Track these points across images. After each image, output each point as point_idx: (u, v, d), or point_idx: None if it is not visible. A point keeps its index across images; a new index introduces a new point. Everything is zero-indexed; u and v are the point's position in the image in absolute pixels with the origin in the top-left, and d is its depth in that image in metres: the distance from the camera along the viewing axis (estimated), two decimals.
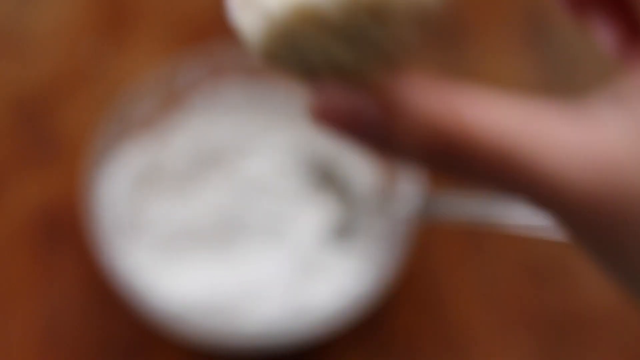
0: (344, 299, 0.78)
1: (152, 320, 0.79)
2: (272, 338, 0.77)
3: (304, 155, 0.88)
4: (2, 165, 0.91)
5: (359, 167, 0.87)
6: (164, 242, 0.84)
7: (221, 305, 0.80)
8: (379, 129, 0.34)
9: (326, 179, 0.87)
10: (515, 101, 0.36)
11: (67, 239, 0.88)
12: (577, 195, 0.34)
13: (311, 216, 0.87)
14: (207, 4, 0.99)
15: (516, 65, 0.96)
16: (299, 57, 0.40)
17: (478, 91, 0.37)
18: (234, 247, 0.83)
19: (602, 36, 0.43)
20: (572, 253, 0.87)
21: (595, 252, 0.37)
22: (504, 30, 0.98)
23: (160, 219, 0.85)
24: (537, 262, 0.87)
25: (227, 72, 0.88)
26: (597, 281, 0.86)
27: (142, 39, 0.98)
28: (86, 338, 0.84)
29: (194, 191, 0.86)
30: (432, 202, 0.75)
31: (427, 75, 0.36)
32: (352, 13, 0.36)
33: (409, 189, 0.80)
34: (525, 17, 0.98)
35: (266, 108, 0.89)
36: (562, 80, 0.95)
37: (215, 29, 0.98)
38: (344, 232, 0.84)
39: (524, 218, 0.60)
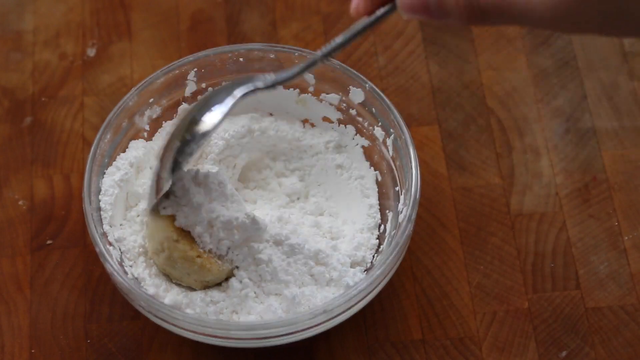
0: (343, 292, 0.78)
1: (154, 314, 0.79)
2: (273, 330, 0.77)
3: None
4: (2, 164, 0.91)
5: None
6: None
7: (221, 296, 0.80)
8: (437, 6, 0.63)
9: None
10: None
11: (66, 238, 0.88)
12: None
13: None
14: (207, 6, 0.99)
15: (514, 53, 0.96)
16: None
17: None
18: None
19: None
20: (572, 250, 0.87)
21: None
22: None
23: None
24: (538, 259, 0.87)
25: (226, 72, 0.88)
26: (599, 281, 0.86)
27: (142, 41, 0.98)
28: (84, 334, 0.84)
29: None
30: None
31: None
32: None
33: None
34: None
35: (265, 107, 0.89)
36: (557, 67, 0.95)
37: (215, 30, 0.99)
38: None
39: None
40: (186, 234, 0.78)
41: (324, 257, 0.81)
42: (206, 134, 0.74)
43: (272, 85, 0.75)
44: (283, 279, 0.79)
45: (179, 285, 0.81)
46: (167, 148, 0.75)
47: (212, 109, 0.74)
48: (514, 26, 0.97)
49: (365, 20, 0.68)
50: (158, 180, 0.76)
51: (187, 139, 0.74)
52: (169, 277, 0.81)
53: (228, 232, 0.79)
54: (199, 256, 0.78)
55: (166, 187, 0.77)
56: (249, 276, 0.79)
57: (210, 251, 0.79)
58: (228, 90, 0.75)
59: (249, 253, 0.79)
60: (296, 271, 0.80)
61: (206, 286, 0.80)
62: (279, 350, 0.82)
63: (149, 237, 0.81)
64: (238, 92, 0.74)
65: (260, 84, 0.75)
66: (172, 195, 0.78)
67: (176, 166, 0.75)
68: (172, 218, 0.78)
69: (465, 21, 0.62)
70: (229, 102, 0.74)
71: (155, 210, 0.79)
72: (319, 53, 0.72)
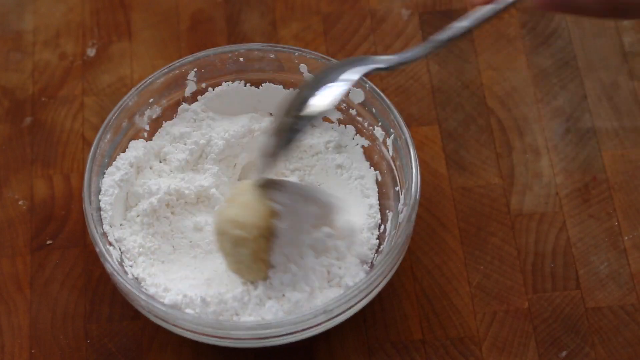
0: (343, 292, 0.78)
1: (154, 314, 0.79)
2: (273, 330, 0.77)
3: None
4: (2, 164, 0.91)
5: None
6: (163, 237, 0.84)
7: (221, 297, 0.79)
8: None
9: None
10: None
11: (66, 238, 0.88)
12: None
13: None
14: (207, 6, 0.99)
15: (514, 53, 0.96)
16: None
17: None
18: None
19: None
20: (572, 250, 0.87)
21: None
22: (503, 24, 0.98)
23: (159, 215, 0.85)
24: (538, 259, 0.87)
25: (226, 72, 0.88)
26: (599, 281, 0.86)
27: (142, 41, 0.98)
28: (84, 334, 0.84)
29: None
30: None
31: None
32: None
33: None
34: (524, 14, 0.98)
35: (265, 107, 0.89)
36: (556, 65, 0.95)
37: (215, 30, 0.99)
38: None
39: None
40: (266, 234, 0.78)
41: (351, 242, 0.82)
42: (321, 113, 0.72)
43: (394, 67, 0.72)
44: (304, 286, 0.79)
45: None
46: (280, 126, 0.73)
47: (326, 88, 0.71)
48: (514, 26, 0.97)
49: (493, 7, 0.66)
50: (269, 155, 0.75)
51: (300, 117, 0.72)
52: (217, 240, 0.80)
53: (295, 256, 0.79)
54: (262, 260, 0.78)
55: (273, 165, 0.75)
56: (281, 280, 0.79)
57: (269, 262, 0.79)
58: (342, 69, 0.72)
59: (287, 260, 0.80)
60: (319, 274, 0.80)
61: (238, 273, 0.80)
62: (279, 350, 0.82)
63: (238, 205, 0.79)
64: (357, 73, 0.71)
65: (381, 65, 0.72)
66: (285, 194, 0.77)
67: (289, 144, 0.73)
68: (272, 212, 0.77)
69: (602, 15, 0.62)
70: (347, 83, 0.71)
71: (262, 188, 0.77)
72: (442, 37, 0.69)
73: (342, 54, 0.96)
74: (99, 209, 0.82)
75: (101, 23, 0.98)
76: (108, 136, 0.84)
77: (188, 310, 0.79)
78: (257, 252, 0.78)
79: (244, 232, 0.77)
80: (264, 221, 0.77)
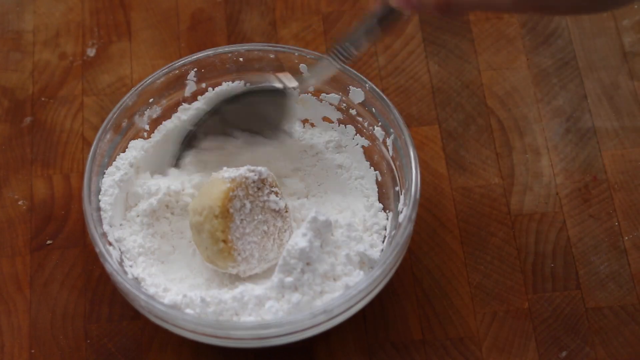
0: (343, 292, 0.78)
1: (154, 314, 0.79)
2: (273, 330, 0.77)
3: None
4: (2, 164, 0.91)
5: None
6: (163, 237, 0.84)
7: (221, 297, 0.79)
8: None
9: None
10: None
11: (66, 238, 0.88)
12: None
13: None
14: (207, 6, 0.99)
15: (514, 53, 0.96)
16: None
17: None
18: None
19: None
20: (572, 250, 0.87)
21: None
22: (503, 24, 0.98)
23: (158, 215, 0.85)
24: (539, 259, 0.87)
25: (225, 72, 0.88)
26: (600, 281, 0.86)
27: (142, 41, 0.98)
28: (84, 334, 0.84)
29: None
30: None
31: None
32: None
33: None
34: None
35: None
36: (555, 64, 0.95)
37: (215, 30, 0.99)
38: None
39: None
40: (218, 213, 0.79)
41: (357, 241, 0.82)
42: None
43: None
44: (304, 287, 0.79)
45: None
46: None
47: None
48: (514, 26, 0.97)
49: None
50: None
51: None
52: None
53: (298, 260, 0.79)
54: (224, 241, 0.79)
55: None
56: (296, 284, 0.79)
57: (233, 243, 0.79)
58: None
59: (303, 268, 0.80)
60: (320, 275, 0.80)
61: (211, 263, 0.81)
62: (279, 350, 0.82)
63: (203, 193, 0.81)
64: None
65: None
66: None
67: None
68: (225, 192, 0.79)
69: (439, 14, 0.70)
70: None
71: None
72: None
73: None
74: (99, 209, 0.82)
75: (101, 23, 0.98)
76: (108, 136, 0.84)
77: (188, 310, 0.79)
78: (213, 232, 0.79)
79: (200, 216, 0.80)
80: (214, 201, 0.79)
